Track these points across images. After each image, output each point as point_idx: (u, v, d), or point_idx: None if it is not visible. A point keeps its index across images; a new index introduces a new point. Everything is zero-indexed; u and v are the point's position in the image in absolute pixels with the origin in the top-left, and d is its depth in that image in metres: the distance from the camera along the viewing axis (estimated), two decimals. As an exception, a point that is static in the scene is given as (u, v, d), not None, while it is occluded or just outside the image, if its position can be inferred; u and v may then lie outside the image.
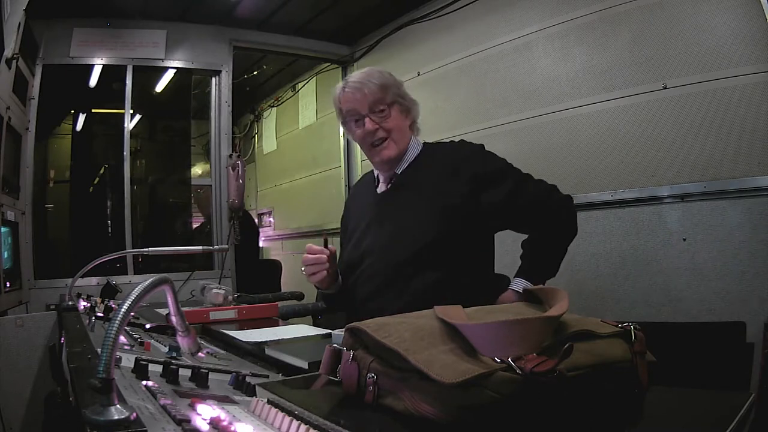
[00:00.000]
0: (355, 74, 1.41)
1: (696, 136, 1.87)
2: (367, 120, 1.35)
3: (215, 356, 0.99)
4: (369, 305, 1.35)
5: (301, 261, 1.36)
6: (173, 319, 0.83)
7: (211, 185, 3.33)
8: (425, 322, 0.63)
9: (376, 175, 1.51)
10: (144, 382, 0.66)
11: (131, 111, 3.11)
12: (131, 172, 3.07)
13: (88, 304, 1.58)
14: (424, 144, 1.48)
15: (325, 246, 1.34)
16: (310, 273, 1.35)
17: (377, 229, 1.40)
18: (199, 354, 0.93)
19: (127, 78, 3.06)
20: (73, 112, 3.31)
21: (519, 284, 1.35)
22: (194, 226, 3.70)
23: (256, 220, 4.88)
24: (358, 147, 3.65)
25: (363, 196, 1.54)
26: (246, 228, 3.67)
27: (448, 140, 1.49)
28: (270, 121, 4.79)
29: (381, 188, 1.46)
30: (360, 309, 1.37)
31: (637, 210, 2.08)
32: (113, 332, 0.53)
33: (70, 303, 1.76)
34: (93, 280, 2.56)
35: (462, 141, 1.46)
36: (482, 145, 1.43)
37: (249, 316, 1.63)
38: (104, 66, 3.05)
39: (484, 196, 1.31)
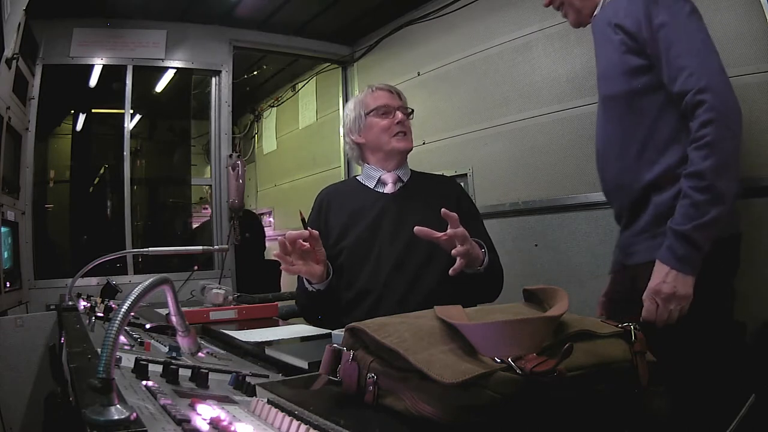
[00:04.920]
0: (384, 83, 1.64)
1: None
2: (399, 111, 1.55)
3: (215, 356, 0.99)
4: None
5: (277, 250, 1.25)
6: (173, 319, 0.83)
7: (211, 185, 3.34)
8: (425, 322, 0.63)
9: (365, 182, 1.60)
10: (144, 382, 0.66)
11: (131, 111, 3.11)
12: (131, 172, 3.07)
13: (88, 304, 1.58)
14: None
15: (305, 227, 1.29)
16: (290, 263, 1.27)
17: (394, 226, 1.48)
18: (199, 354, 0.93)
19: (127, 78, 3.06)
20: (73, 112, 3.31)
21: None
22: (194, 226, 3.71)
23: (257, 221, 4.89)
24: (358, 147, 3.69)
25: (356, 197, 1.58)
26: (253, 227, 3.68)
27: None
28: (270, 121, 4.79)
29: (389, 189, 1.58)
30: (360, 302, 1.39)
31: (637, 210, 2.08)
32: (113, 332, 0.53)
33: (70, 303, 1.75)
34: (93, 280, 2.55)
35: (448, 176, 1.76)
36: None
37: (249, 316, 1.63)
38: (104, 66, 3.04)
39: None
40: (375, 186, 1.59)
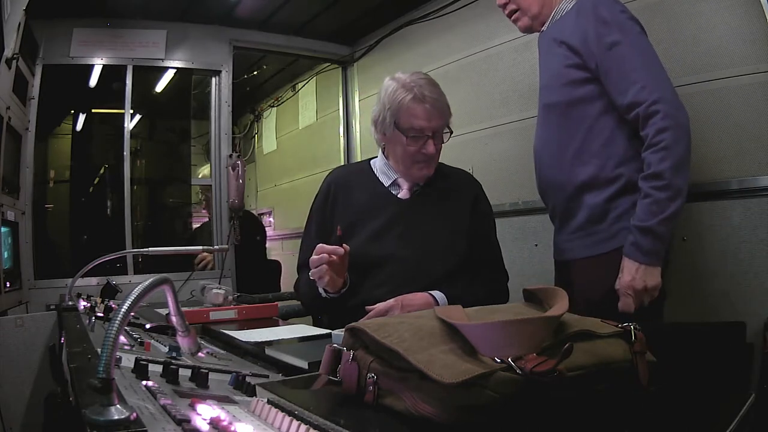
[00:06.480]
0: (428, 87, 1.40)
1: (695, 135, 1.85)
2: (431, 142, 1.41)
3: (215, 356, 0.99)
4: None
5: (311, 263, 1.29)
6: (173, 319, 0.83)
7: (211, 185, 3.33)
8: (425, 322, 0.63)
9: (379, 176, 1.52)
10: (144, 382, 0.66)
11: (131, 111, 3.11)
12: (131, 172, 3.07)
13: (88, 304, 1.58)
14: None
15: (340, 244, 1.29)
16: (319, 276, 1.29)
17: (405, 236, 1.43)
18: (199, 354, 0.93)
19: (127, 78, 3.06)
20: (73, 112, 3.31)
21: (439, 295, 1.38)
22: (194, 226, 3.71)
23: (256, 221, 4.88)
24: (358, 147, 3.69)
25: (366, 193, 1.51)
26: (253, 228, 3.68)
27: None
28: (270, 121, 4.79)
29: (404, 194, 1.50)
30: (363, 310, 1.37)
31: (637, 210, 2.08)
32: (113, 332, 0.53)
33: (70, 303, 1.75)
34: (93, 280, 2.55)
35: (467, 172, 1.63)
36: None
37: (249, 316, 1.63)
38: (104, 66, 3.04)
39: (471, 225, 1.48)
40: (389, 185, 1.50)
